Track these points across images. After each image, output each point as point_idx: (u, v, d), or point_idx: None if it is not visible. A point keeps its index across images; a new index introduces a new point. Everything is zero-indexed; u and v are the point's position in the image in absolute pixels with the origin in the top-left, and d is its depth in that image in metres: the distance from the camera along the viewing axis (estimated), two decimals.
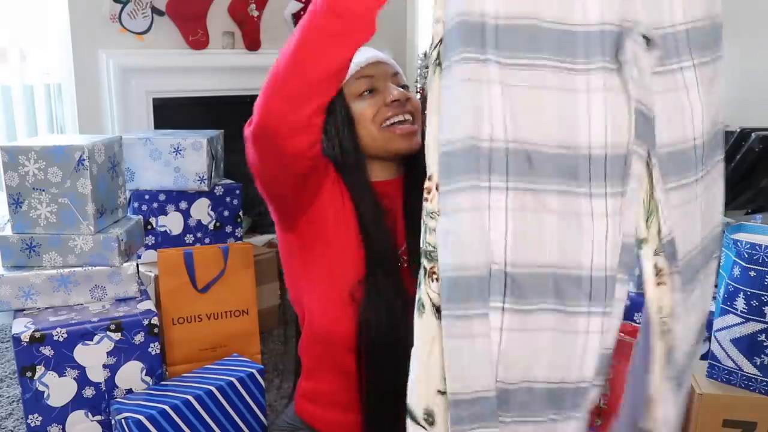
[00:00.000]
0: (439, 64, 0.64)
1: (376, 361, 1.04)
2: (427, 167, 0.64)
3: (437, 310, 0.64)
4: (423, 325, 0.66)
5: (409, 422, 0.66)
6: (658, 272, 0.68)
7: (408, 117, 1.10)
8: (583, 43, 0.62)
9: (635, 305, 1.24)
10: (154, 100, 2.86)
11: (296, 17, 3.16)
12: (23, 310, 1.53)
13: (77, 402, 1.47)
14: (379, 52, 1.15)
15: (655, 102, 0.65)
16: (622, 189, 0.64)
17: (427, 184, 0.64)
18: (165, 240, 2.21)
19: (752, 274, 1.21)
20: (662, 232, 0.67)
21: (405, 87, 1.14)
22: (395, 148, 1.09)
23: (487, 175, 0.61)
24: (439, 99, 0.63)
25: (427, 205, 0.65)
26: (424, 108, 1.07)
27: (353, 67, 1.08)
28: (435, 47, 0.64)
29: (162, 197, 2.19)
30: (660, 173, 0.66)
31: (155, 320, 1.51)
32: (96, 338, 1.46)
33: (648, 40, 0.64)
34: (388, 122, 1.09)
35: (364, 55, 1.10)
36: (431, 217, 0.65)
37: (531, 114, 0.62)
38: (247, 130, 0.98)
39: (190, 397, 1.37)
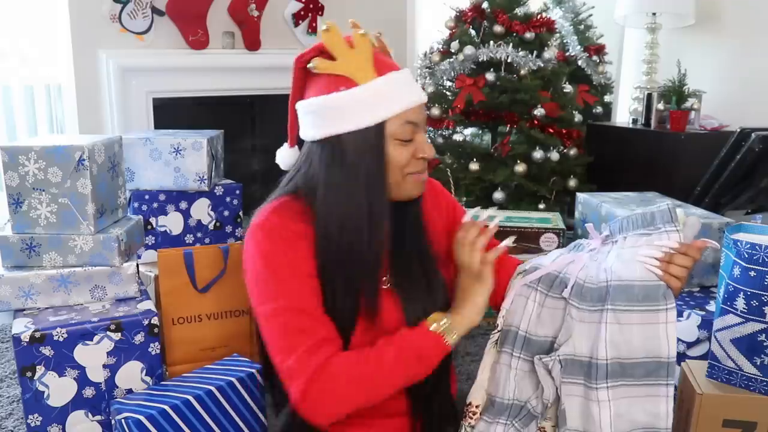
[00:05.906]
0: None
1: None
2: None
3: None
4: None
5: None
6: None
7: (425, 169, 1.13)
8: None
9: None
10: (154, 100, 2.86)
11: (296, 17, 3.16)
12: (23, 310, 1.53)
13: (77, 402, 1.47)
14: (419, 88, 1.09)
15: None
16: None
17: None
18: (165, 240, 2.22)
19: (752, 274, 1.21)
20: None
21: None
22: (409, 193, 1.11)
23: None
24: None
25: None
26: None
27: (403, 105, 1.04)
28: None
29: (162, 197, 2.19)
30: None
31: (155, 320, 1.51)
32: (96, 338, 1.46)
33: None
34: (411, 172, 1.10)
35: (412, 96, 1.06)
36: None
37: None
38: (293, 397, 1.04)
39: (190, 397, 1.37)
